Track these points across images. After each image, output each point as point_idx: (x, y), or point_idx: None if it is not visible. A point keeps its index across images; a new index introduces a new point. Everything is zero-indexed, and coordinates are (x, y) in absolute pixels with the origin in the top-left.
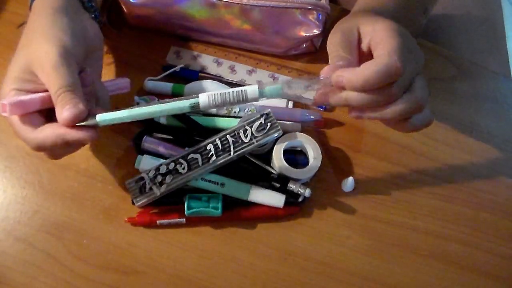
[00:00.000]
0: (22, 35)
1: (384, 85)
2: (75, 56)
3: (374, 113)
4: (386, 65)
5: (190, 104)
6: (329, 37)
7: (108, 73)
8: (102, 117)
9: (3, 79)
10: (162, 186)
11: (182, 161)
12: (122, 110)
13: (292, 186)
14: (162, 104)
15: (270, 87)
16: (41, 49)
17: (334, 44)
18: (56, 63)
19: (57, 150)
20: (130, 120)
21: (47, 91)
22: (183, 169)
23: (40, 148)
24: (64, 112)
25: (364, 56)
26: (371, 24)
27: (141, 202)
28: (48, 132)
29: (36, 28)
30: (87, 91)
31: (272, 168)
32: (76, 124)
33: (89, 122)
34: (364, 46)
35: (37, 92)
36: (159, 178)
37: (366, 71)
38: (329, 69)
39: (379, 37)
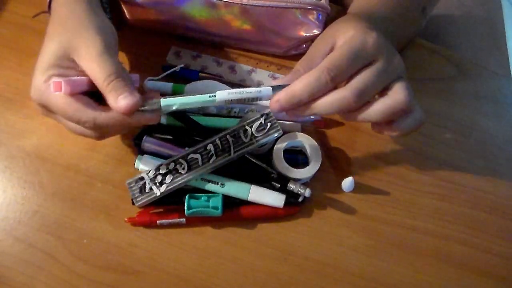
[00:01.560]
0: (50, 24)
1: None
2: (114, 45)
3: (352, 117)
4: (314, 77)
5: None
6: (311, 46)
7: None
8: (167, 102)
9: (5, 80)
10: (162, 186)
11: (182, 161)
12: (187, 96)
13: (292, 186)
14: (228, 91)
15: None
16: (83, 37)
17: (306, 55)
18: (102, 51)
19: (113, 131)
20: (192, 107)
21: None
22: (183, 169)
23: (99, 127)
24: (121, 100)
25: None
26: (344, 35)
27: (141, 202)
28: (114, 115)
29: (71, 17)
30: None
31: (272, 168)
32: (140, 109)
33: (152, 107)
34: None
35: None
36: (159, 178)
37: (297, 84)
38: (277, 82)
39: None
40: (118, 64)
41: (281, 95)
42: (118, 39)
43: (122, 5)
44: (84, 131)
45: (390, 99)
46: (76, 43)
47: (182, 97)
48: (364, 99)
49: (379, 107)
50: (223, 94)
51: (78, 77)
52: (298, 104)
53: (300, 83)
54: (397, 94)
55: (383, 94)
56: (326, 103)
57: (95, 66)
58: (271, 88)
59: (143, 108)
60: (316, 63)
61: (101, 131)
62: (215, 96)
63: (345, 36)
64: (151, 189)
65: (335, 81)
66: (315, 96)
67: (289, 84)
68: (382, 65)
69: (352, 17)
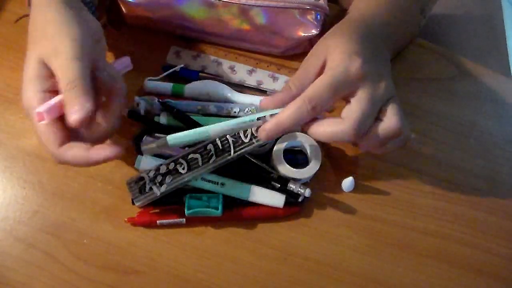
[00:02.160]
0: (29, 32)
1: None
2: (87, 48)
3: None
4: (296, 106)
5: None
6: (304, 59)
7: None
8: (173, 138)
9: (5, 80)
10: (162, 186)
11: (182, 161)
12: (191, 130)
13: (292, 186)
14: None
15: None
16: (54, 42)
17: (298, 72)
18: (69, 55)
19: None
20: (197, 140)
21: None
22: (183, 169)
23: (64, 163)
24: (71, 116)
25: None
26: (332, 56)
27: (141, 202)
28: (74, 154)
29: (44, 22)
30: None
31: (272, 168)
32: (146, 148)
33: (159, 143)
34: None
35: (56, 89)
36: (159, 178)
37: (280, 116)
38: (268, 100)
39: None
40: (82, 70)
41: (267, 125)
42: (118, 39)
43: (121, 5)
44: None
45: (384, 126)
46: (50, 49)
47: (190, 131)
48: (362, 131)
49: (374, 136)
50: (216, 129)
51: (57, 98)
52: (283, 132)
53: (284, 113)
54: (391, 121)
55: (376, 119)
56: (325, 133)
57: (61, 72)
58: (259, 120)
59: (149, 146)
60: (309, 80)
61: (63, 163)
62: (209, 133)
63: (333, 57)
64: (151, 189)
65: (316, 111)
66: (299, 124)
67: (275, 111)
68: (369, 91)
69: (345, 31)
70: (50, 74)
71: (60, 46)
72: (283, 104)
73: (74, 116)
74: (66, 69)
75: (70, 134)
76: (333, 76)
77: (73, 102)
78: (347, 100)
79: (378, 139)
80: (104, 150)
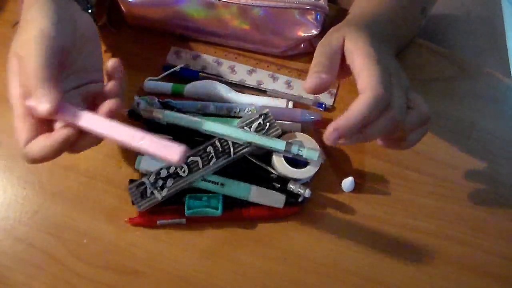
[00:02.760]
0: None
1: (379, 114)
2: (57, 39)
3: (402, 143)
4: (372, 98)
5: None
6: (316, 48)
7: None
8: (169, 114)
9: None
10: (163, 190)
11: (182, 164)
12: (188, 116)
13: (292, 186)
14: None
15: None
16: (23, 36)
17: (318, 53)
18: (31, 45)
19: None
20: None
21: None
22: (184, 172)
23: (34, 160)
24: (38, 107)
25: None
26: (354, 43)
27: (143, 207)
28: (40, 144)
29: (24, 19)
30: (119, 84)
31: (272, 168)
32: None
33: (156, 111)
34: (347, 62)
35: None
36: (160, 182)
37: (356, 112)
38: (310, 81)
39: (359, 65)
40: (46, 59)
41: (339, 123)
42: (118, 39)
43: (120, 5)
44: None
45: (417, 113)
46: (19, 44)
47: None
48: (403, 116)
49: (412, 121)
50: (210, 127)
51: None
52: (353, 130)
53: (354, 109)
54: (421, 107)
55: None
56: (376, 129)
57: (25, 64)
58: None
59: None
60: (334, 57)
61: (33, 162)
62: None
63: (355, 48)
64: (152, 193)
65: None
66: (367, 119)
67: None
68: (397, 75)
69: (356, 27)
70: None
71: (28, 38)
72: (325, 88)
73: (40, 107)
74: (27, 59)
75: (39, 133)
76: (376, 69)
77: (35, 93)
78: None
79: (413, 125)
80: (60, 133)
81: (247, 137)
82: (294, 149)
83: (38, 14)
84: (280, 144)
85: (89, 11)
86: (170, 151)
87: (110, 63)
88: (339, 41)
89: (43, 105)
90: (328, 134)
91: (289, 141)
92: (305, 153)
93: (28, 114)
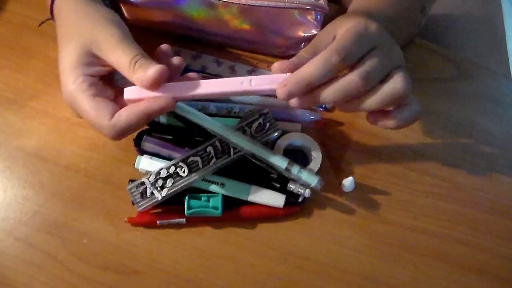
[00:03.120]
0: (60, 28)
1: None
2: (129, 34)
3: (354, 105)
4: (322, 59)
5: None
6: (312, 40)
7: None
8: (182, 105)
9: (5, 80)
10: (163, 190)
11: (182, 164)
12: (199, 113)
13: (292, 186)
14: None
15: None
16: (99, 31)
17: (309, 45)
18: (121, 38)
19: (131, 130)
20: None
21: (111, 72)
22: (184, 172)
23: (122, 135)
24: (148, 71)
25: None
26: (346, 25)
27: (143, 207)
28: (128, 116)
29: (80, 16)
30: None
31: (272, 168)
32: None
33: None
34: None
35: (100, 75)
36: (160, 182)
37: (303, 70)
38: (280, 64)
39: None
40: (139, 48)
41: (289, 79)
42: None
43: (121, 5)
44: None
45: (389, 86)
46: (95, 38)
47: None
48: (370, 83)
49: (379, 94)
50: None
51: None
52: (306, 88)
53: (309, 66)
54: (396, 82)
55: (383, 81)
56: (334, 89)
57: (118, 53)
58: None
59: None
60: (322, 48)
61: (120, 135)
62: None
63: (347, 25)
64: (152, 193)
65: (345, 63)
66: (324, 79)
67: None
68: (385, 50)
69: (353, 13)
70: (95, 62)
71: (109, 33)
72: (295, 68)
73: (151, 70)
74: (123, 50)
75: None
76: (355, 30)
77: (147, 65)
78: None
79: (383, 99)
80: (157, 99)
81: (252, 149)
82: (295, 170)
83: (98, 11)
84: (281, 162)
85: None
86: (278, 80)
87: (164, 47)
88: (330, 37)
89: (155, 69)
90: (279, 89)
91: (291, 161)
92: (304, 176)
93: (103, 96)
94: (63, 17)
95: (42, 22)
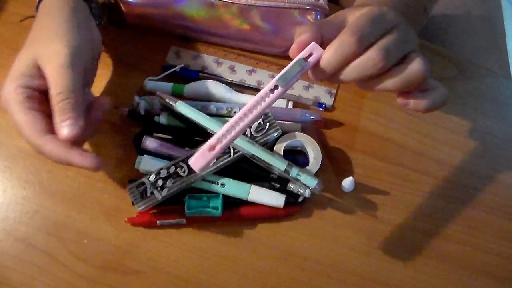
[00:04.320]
0: (30, 32)
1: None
2: (83, 60)
3: (373, 84)
4: (340, 42)
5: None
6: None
7: (108, 73)
8: (182, 105)
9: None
10: (163, 190)
11: (182, 164)
12: (201, 113)
13: (292, 186)
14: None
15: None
16: (51, 46)
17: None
18: (64, 63)
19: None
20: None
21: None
22: (184, 172)
23: (40, 153)
24: (64, 129)
25: None
26: (356, 12)
27: (143, 207)
28: (53, 149)
29: (48, 26)
30: (100, 116)
31: (272, 169)
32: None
33: (170, 98)
34: None
35: (41, 90)
36: (160, 182)
37: (326, 53)
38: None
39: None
40: (77, 80)
41: (315, 69)
42: (118, 39)
43: (121, 4)
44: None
45: (410, 67)
46: (45, 53)
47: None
48: (389, 61)
49: (398, 74)
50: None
51: None
52: (327, 76)
53: (328, 51)
54: (416, 63)
55: (401, 63)
56: (353, 67)
57: (54, 79)
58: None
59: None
60: (325, 24)
61: (43, 154)
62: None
63: (360, 12)
64: (152, 193)
65: (362, 43)
66: (343, 63)
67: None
68: (402, 31)
69: (361, 4)
70: (39, 76)
71: (57, 52)
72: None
73: (66, 130)
74: (58, 77)
75: (51, 126)
76: (371, 13)
77: (65, 116)
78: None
79: (403, 80)
80: (85, 158)
81: (251, 150)
82: (294, 172)
83: (64, 28)
84: (280, 164)
85: (100, 23)
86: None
87: (104, 100)
88: (339, 19)
89: (69, 131)
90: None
91: (290, 163)
92: (303, 179)
93: (40, 110)
94: (37, 21)
95: (24, 19)
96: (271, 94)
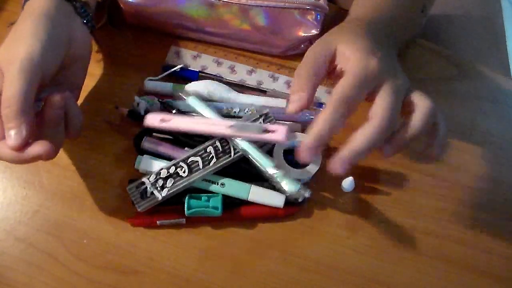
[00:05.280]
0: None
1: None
2: (46, 64)
3: (399, 141)
4: (329, 110)
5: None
6: (309, 48)
7: (108, 73)
8: (194, 99)
9: None
10: (163, 190)
11: (182, 164)
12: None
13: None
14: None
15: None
16: (11, 51)
17: (305, 65)
18: (15, 69)
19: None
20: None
21: None
22: (184, 172)
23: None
24: (8, 138)
25: (335, 73)
26: (348, 51)
27: (143, 207)
28: (5, 152)
29: (16, 28)
30: (56, 114)
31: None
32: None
33: (183, 92)
34: (338, 68)
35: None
36: (160, 183)
37: (316, 126)
38: (293, 107)
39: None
40: (24, 89)
41: (307, 143)
42: (118, 39)
43: (120, 4)
44: None
45: (420, 108)
46: (4, 57)
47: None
48: (393, 120)
49: (417, 118)
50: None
51: None
52: (324, 143)
53: (320, 123)
54: (421, 101)
55: (406, 110)
56: (362, 140)
57: (2, 84)
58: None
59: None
60: (317, 66)
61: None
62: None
63: (348, 55)
64: (152, 194)
65: (350, 111)
66: (337, 130)
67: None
68: (391, 85)
69: (354, 29)
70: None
71: (13, 57)
72: (308, 103)
73: (9, 139)
74: (6, 83)
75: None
76: (355, 74)
77: (8, 124)
78: (369, 100)
79: (423, 121)
80: (36, 154)
81: (245, 146)
82: (278, 175)
83: (30, 31)
84: (268, 166)
85: (88, 21)
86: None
87: (55, 97)
88: (330, 50)
89: (13, 140)
90: (301, 153)
91: (277, 167)
92: (284, 184)
93: None
94: (15, 25)
95: (12, 23)
96: (225, 128)
